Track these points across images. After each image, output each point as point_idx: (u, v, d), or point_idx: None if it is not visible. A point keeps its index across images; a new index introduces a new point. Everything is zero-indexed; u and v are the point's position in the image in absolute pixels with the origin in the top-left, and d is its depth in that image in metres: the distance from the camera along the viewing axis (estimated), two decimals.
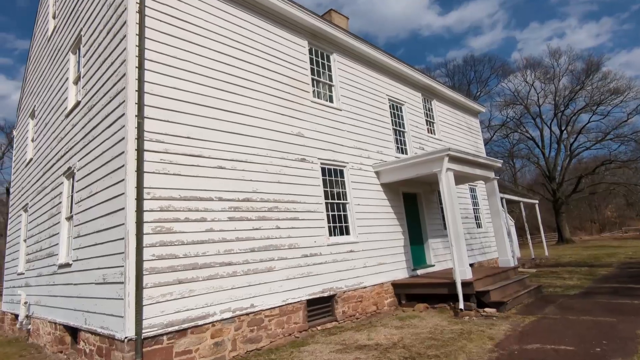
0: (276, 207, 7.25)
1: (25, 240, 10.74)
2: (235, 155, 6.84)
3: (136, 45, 5.89)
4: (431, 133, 13.00)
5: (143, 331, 5.11)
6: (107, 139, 6.25)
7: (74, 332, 6.97)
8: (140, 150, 5.55)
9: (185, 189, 6.01)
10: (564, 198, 38.14)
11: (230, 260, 6.30)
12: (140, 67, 5.82)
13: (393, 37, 65.16)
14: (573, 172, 41.00)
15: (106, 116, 6.35)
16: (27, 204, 10.87)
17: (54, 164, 8.79)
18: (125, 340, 4.98)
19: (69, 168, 7.77)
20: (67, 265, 7.28)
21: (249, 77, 7.48)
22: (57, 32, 9.69)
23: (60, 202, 8.17)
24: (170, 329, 5.35)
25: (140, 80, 5.78)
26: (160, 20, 6.32)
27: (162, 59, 6.21)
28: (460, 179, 11.07)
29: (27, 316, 9.28)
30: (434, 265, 10.90)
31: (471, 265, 12.20)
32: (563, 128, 39.44)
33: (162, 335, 5.28)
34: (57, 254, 7.88)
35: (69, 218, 7.68)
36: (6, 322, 11.60)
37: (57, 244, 7.92)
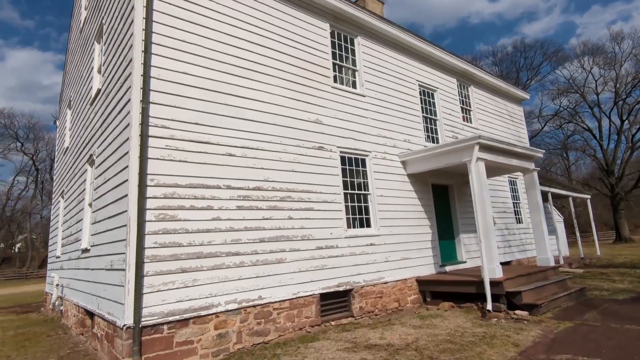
0: (289, 196, 6.97)
1: (61, 225, 11.23)
2: (246, 142, 6.62)
3: (143, 29, 5.78)
4: (467, 121, 12.17)
5: (142, 319, 5.03)
6: (117, 126, 6.24)
7: (91, 315, 7.12)
8: (143, 136, 5.45)
9: (191, 176, 5.86)
10: (624, 194, 35.11)
11: (238, 251, 6.11)
12: (147, 52, 5.70)
13: (440, 26, 62.37)
14: (634, 165, 37.66)
15: (117, 102, 6.33)
16: (63, 190, 11.36)
17: (81, 151, 9.03)
18: (124, 327, 4.93)
19: (91, 155, 7.92)
20: (87, 250, 7.44)
21: (263, 62, 7.21)
22: (86, 22, 9.93)
23: (84, 189, 8.38)
24: (171, 319, 5.25)
25: (146, 64, 5.66)
26: (169, 3, 6.17)
27: (170, 43, 6.07)
28: (495, 170, 10.28)
29: (59, 297, 9.71)
30: (465, 262, 10.22)
31: (508, 263, 11.40)
32: (624, 118, 36.16)
33: (162, 324, 5.19)
34: (80, 240, 8.09)
35: (90, 204, 7.84)
36: (47, 302, 12.27)
37: (81, 229, 8.13)
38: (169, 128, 5.79)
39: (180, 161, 5.80)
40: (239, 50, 6.91)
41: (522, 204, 13.58)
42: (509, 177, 13.16)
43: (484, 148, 8.15)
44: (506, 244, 12.00)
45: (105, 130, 6.98)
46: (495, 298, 7.48)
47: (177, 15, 6.23)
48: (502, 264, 11.39)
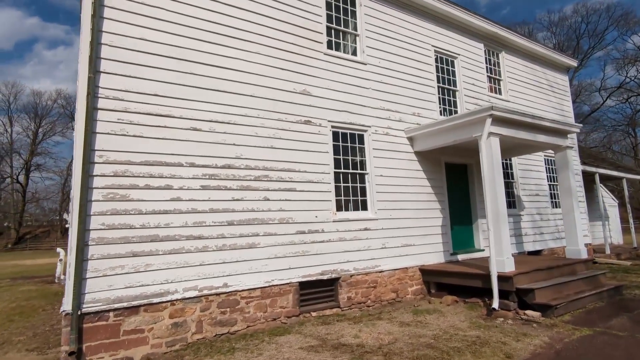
0: (266, 175, 6.34)
1: None
2: (215, 115, 6.01)
3: None
4: (495, 92, 10.78)
5: (84, 306, 4.70)
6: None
7: None
8: (89, 109, 5.00)
9: (147, 153, 5.38)
10: None
11: (201, 234, 5.62)
12: (95, 15, 5.18)
13: None
14: None
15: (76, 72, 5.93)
16: None
17: None
18: (63, 314, 4.62)
19: None
20: None
21: (242, 26, 6.50)
22: None
23: None
24: (117, 305, 4.89)
25: (94, 30, 5.15)
26: None
27: (127, 6, 5.51)
28: (521, 147, 9.00)
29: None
30: (483, 250, 9.15)
31: (538, 252, 10.20)
32: None
33: (107, 311, 4.84)
34: None
35: None
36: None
37: None
38: (122, 100, 5.30)
39: (134, 136, 5.32)
40: (212, 14, 6.23)
41: None
42: (545, 155, 11.65)
43: (499, 121, 6.99)
44: (537, 231, 10.69)
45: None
46: (504, 295, 6.51)
47: None
48: (531, 253, 10.24)
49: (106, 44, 5.29)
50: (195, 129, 5.81)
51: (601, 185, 18.43)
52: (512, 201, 10.45)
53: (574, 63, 13.23)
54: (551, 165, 11.91)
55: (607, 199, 18.82)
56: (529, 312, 6.23)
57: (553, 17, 42.80)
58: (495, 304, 6.39)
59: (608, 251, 12.97)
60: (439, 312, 6.66)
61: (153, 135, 5.46)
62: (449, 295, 7.49)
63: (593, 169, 13.39)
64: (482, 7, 57.43)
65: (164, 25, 5.77)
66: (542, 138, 7.90)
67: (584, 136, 39.78)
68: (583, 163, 13.09)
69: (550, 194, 11.73)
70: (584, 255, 8.12)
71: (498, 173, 6.80)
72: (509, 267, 6.57)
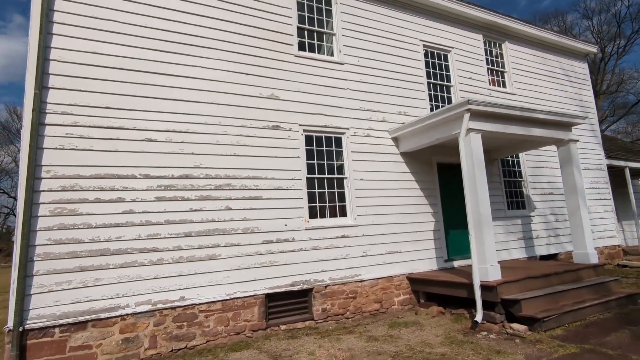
0: (228, 184, 6.15)
1: None
2: (172, 125, 5.91)
3: (40, 9, 5.30)
4: (498, 85, 10.05)
5: (28, 322, 4.69)
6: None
7: None
8: (35, 125, 5.02)
9: (97, 166, 5.34)
10: None
11: (155, 247, 5.50)
12: (42, 32, 5.23)
13: None
14: None
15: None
16: None
17: None
18: (6, 330, 4.63)
19: None
20: None
21: (199, 33, 6.38)
22: None
23: None
24: (63, 321, 4.84)
25: (41, 46, 5.19)
26: None
27: (76, 21, 5.54)
28: (521, 144, 8.30)
29: None
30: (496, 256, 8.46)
31: (554, 256, 9.37)
32: None
33: (53, 327, 4.80)
34: None
35: None
36: None
37: None
38: (71, 114, 5.31)
39: (84, 150, 5.31)
40: (168, 23, 6.17)
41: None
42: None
43: (481, 116, 6.43)
44: (551, 233, 9.81)
45: None
46: (489, 306, 5.93)
47: None
48: (545, 257, 9.43)
49: (55, 60, 5.32)
50: (150, 140, 5.73)
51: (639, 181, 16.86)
52: (521, 201, 9.66)
53: (592, 49, 12.13)
54: None
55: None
56: (515, 325, 5.62)
57: (589, 2, 39.97)
58: (479, 316, 5.83)
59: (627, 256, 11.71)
60: (419, 324, 6.17)
61: (104, 148, 5.42)
62: (436, 305, 6.96)
63: (622, 163, 12.18)
64: (522, 1, 54.81)
65: (115, 37, 5.75)
66: (537, 132, 7.20)
67: (631, 127, 36.87)
68: (609, 157, 11.93)
69: None
70: (593, 259, 7.28)
71: (480, 173, 6.23)
72: (494, 276, 5.98)
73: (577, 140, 7.81)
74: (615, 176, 12.92)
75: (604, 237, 11.08)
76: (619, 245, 11.35)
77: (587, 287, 6.53)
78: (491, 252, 6.08)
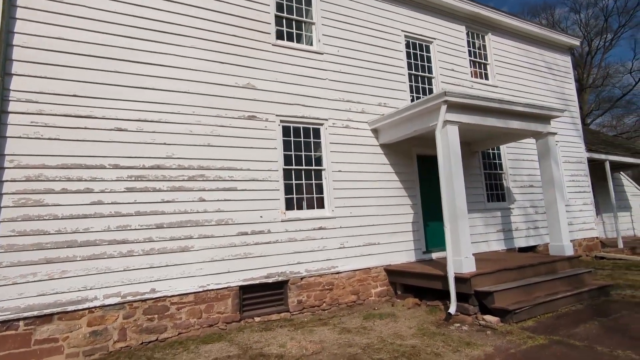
0: (202, 175, 6.05)
1: None
2: (143, 114, 5.77)
3: None
4: (480, 77, 10.03)
5: None
6: None
7: None
8: None
9: (64, 156, 5.20)
10: None
11: (125, 238, 5.40)
12: (4, 17, 5.03)
13: None
14: None
15: None
16: None
17: None
18: None
19: None
20: None
21: (173, 20, 6.22)
22: None
23: None
24: (28, 314, 4.73)
25: (3, 31, 5.00)
26: None
27: (42, 5, 5.34)
28: (501, 136, 8.31)
29: None
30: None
31: (532, 248, 9.44)
32: None
33: (17, 320, 4.69)
34: None
35: None
36: None
37: None
38: (36, 102, 5.14)
39: (50, 139, 5.15)
40: (140, 9, 5.99)
41: (562, 176, 11.08)
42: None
43: (458, 107, 6.39)
44: (530, 226, 9.89)
45: None
46: (463, 298, 5.96)
47: None
48: (524, 249, 9.51)
49: (18, 45, 5.13)
50: (120, 129, 5.59)
51: (622, 173, 17.12)
52: (501, 194, 9.71)
53: (575, 42, 12.16)
54: None
55: (630, 188, 17.41)
56: (487, 317, 5.65)
57: None
58: (452, 308, 5.86)
59: (621, 245, 11.90)
60: (394, 316, 6.18)
61: (71, 138, 5.28)
62: (412, 297, 6.98)
63: (602, 156, 12.31)
64: None
65: (84, 23, 5.57)
66: (516, 124, 7.20)
67: (616, 121, 37.33)
68: (590, 150, 12.05)
69: None
70: (569, 251, 7.36)
71: (456, 165, 6.21)
72: (468, 268, 6.00)
73: (556, 133, 7.84)
74: (597, 169, 13.08)
75: (582, 230, 11.22)
76: (597, 238, 11.51)
77: (561, 279, 6.60)
78: (466, 244, 6.09)
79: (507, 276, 6.29)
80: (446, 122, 6.23)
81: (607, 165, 12.41)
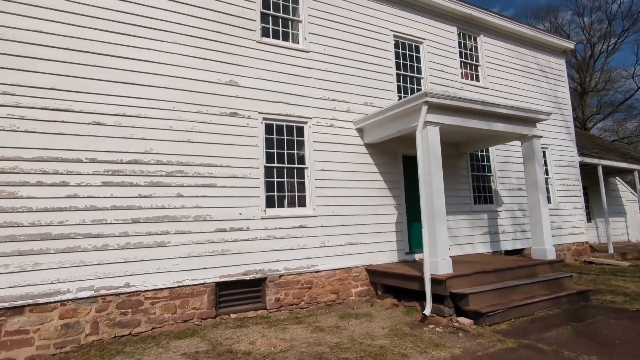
0: (180, 171, 6.06)
1: None
2: (122, 109, 5.78)
3: None
4: (471, 79, 9.99)
5: None
6: None
7: None
8: None
9: (41, 149, 5.22)
10: None
11: (101, 232, 5.42)
12: None
13: None
14: None
15: None
16: None
17: None
18: None
19: None
20: None
21: (155, 15, 6.22)
22: None
23: None
24: None
25: None
26: None
27: None
28: (487, 138, 8.28)
29: None
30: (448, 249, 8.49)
31: (518, 251, 9.42)
32: None
33: None
34: None
35: None
36: None
37: None
38: (13, 95, 5.16)
39: (26, 132, 5.17)
40: (121, 3, 5.99)
41: (553, 179, 11.06)
42: None
43: (440, 108, 6.37)
44: (517, 229, 9.86)
45: None
46: (439, 299, 5.95)
47: None
48: (510, 252, 9.50)
49: None
50: (98, 124, 5.61)
51: (618, 178, 17.03)
52: (489, 196, 9.69)
53: (569, 45, 12.09)
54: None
55: (626, 193, 17.33)
56: (461, 319, 5.64)
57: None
58: (428, 309, 5.85)
59: (611, 250, 11.84)
60: (370, 316, 6.18)
61: (48, 131, 5.29)
62: (391, 298, 6.98)
63: (595, 161, 12.25)
64: None
65: (64, 16, 5.58)
66: (500, 127, 7.17)
67: (617, 126, 37.11)
68: (582, 154, 11.99)
69: None
70: (550, 255, 7.34)
71: (436, 166, 6.20)
72: (444, 270, 5.99)
73: (541, 136, 7.81)
74: (592, 174, 13.00)
75: (572, 234, 11.18)
76: (586, 242, 11.46)
77: (540, 283, 6.58)
78: (443, 245, 6.08)
79: (485, 279, 6.28)
80: (427, 122, 6.22)
81: (600, 170, 12.35)
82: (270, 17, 7.36)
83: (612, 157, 12.94)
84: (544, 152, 11.00)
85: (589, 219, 15.20)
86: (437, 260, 6.00)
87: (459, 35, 9.85)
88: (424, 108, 6.16)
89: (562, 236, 10.92)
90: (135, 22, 6.06)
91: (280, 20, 7.48)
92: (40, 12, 5.44)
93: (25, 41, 5.31)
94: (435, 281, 5.91)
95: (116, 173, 5.62)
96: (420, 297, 6.54)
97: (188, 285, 5.89)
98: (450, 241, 8.46)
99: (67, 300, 5.12)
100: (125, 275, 5.49)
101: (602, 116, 36.32)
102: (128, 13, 6.02)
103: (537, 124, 7.84)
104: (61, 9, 5.58)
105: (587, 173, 13.22)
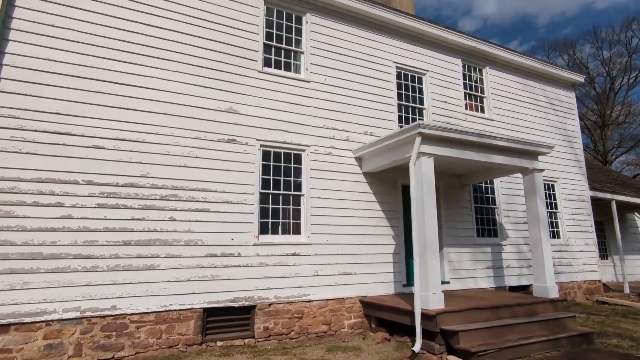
0: (175, 195, 6.16)
1: None
2: (121, 133, 5.98)
3: None
4: (476, 110, 9.97)
5: None
6: None
7: None
8: None
9: (40, 170, 5.41)
10: None
11: (91, 253, 5.51)
12: None
13: (559, 15, 52.58)
14: None
15: None
16: None
17: None
18: None
19: None
20: None
21: (159, 45, 6.50)
22: None
23: None
24: None
25: None
26: None
27: (34, 28, 5.70)
28: (489, 170, 8.17)
29: None
30: (448, 282, 8.29)
31: (524, 287, 9.13)
32: None
33: None
34: None
35: None
36: None
37: None
38: (18, 118, 5.41)
39: (27, 153, 5.39)
40: (127, 34, 6.30)
41: (563, 213, 10.74)
42: (545, 179, 10.45)
43: (434, 140, 6.35)
44: (523, 264, 9.54)
45: None
46: (430, 335, 5.75)
47: None
48: (515, 288, 9.19)
49: (7, 65, 5.46)
50: (98, 147, 5.80)
51: (637, 214, 16.40)
52: (493, 229, 9.46)
53: (579, 78, 11.97)
54: (549, 190, 10.71)
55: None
56: (452, 357, 5.43)
57: (598, 31, 39.42)
58: (417, 345, 5.65)
59: (627, 290, 11.26)
60: (358, 350, 6.00)
61: (49, 153, 5.50)
62: (384, 332, 6.79)
63: (608, 196, 11.88)
64: (540, 29, 54.51)
65: (73, 45, 5.89)
66: (499, 159, 7.08)
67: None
68: (594, 188, 11.66)
69: (548, 222, 10.48)
70: (553, 293, 7.05)
71: (429, 197, 6.12)
72: (435, 304, 5.81)
73: (543, 170, 7.66)
74: (608, 209, 12.55)
75: (583, 271, 10.74)
76: (599, 281, 10.97)
77: (539, 323, 6.30)
78: (434, 279, 5.92)
79: (479, 316, 6.06)
80: (420, 153, 6.19)
81: (614, 205, 11.94)
82: (272, 48, 7.59)
83: (627, 193, 12.52)
84: (552, 186, 10.76)
85: (605, 256, 14.61)
86: (428, 295, 5.84)
87: (463, 67, 9.91)
88: (418, 139, 6.15)
89: (573, 273, 10.50)
90: (141, 52, 6.34)
91: (282, 51, 7.70)
92: (51, 41, 5.77)
93: (34, 68, 5.61)
94: (425, 316, 5.73)
95: (111, 195, 5.76)
96: (412, 332, 6.31)
97: (175, 310, 5.87)
98: (451, 274, 8.31)
99: (53, 320, 5.17)
100: (112, 298, 5.53)
101: (624, 149, 35.42)
102: (134, 43, 6.32)
103: (539, 157, 7.71)
104: (72, 39, 5.89)
105: (602, 208, 12.81)
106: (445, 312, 5.75)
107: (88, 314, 5.36)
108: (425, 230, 6.00)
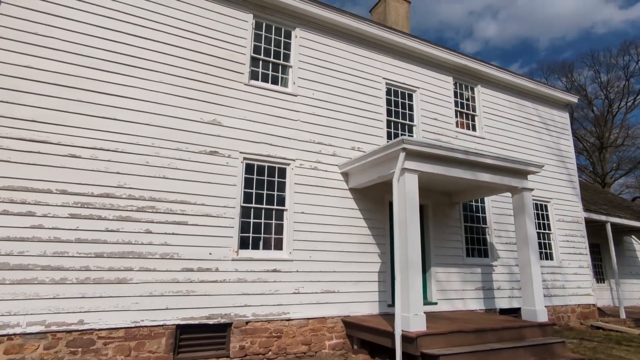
0: (152, 207, 6.01)
1: None
2: (100, 143, 5.88)
3: None
4: (467, 128, 9.88)
5: None
6: None
7: None
8: None
9: (12, 178, 5.29)
10: None
11: (61, 265, 5.33)
12: None
13: (559, 39, 53.35)
14: None
15: None
16: None
17: None
18: None
19: None
20: None
21: (144, 56, 6.46)
22: None
23: None
24: None
25: None
26: None
27: (14, 35, 5.66)
28: (479, 189, 8.03)
29: None
30: (435, 304, 8.06)
31: (515, 310, 8.86)
32: None
33: None
34: None
35: None
36: None
37: None
38: None
39: (0, 161, 5.28)
40: (114, 44, 6.27)
41: (556, 234, 10.54)
42: (536, 199, 10.31)
43: (417, 156, 6.23)
44: (515, 286, 9.29)
45: None
46: (410, 359, 5.51)
47: (29, 7, 5.83)
48: (506, 311, 8.93)
49: None
50: (74, 156, 5.69)
51: (634, 237, 16.16)
52: (484, 249, 9.26)
53: (572, 99, 11.93)
54: (541, 210, 10.54)
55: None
56: None
57: (596, 54, 39.58)
58: None
59: (623, 315, 10.99)
60: None
61: (22, 161, 5.39)
62: (365, 354, 6.53)
63: (603, 218, 11.69)
64: (541, 52, 55.27)
65: (54, 53, 5.84)
66: (486, 177, 6.95)
67: (639, 182, 35.89)
68: (588, 210, 11.48)
69: (541, 243, 10.30)
70: (542, 317, 6.81)
71: (412, 214, 5.96)
72: (416, 326, 5.59)
73: (532, 189, 7.51)
74: (603, 231, 12.32)
75: (577, 295, 10.47)
76: (594, 305, 10.69)
77: (526, 348, 6.05)
78: (416, 300, 5.71)
79: (463, 339, 5.82)
80: (404, 169, 6.07)
81: (609, 227, 11.74)
82: (260, 61, 7.56)
83: (623, 215, 12.33)
84: (545, 206, 10.59)
85: (602, 280, 14.33)
86: (409, 316, 5.62)
87: (455, 84, 9.88)
88: (402, 155, 6.04)
89: (566, 297, 10.23)
90: (124, 62, 6.29)
91: (270, 64, 7.66)
92: (32, 49, 5.72)
93: (12, 75, 5.55)
94: (406, 338, 5.51)
95: (85, 205, 5.62)
96: (393, 355, 6.08)
97: (146, 326, 5.65)
98: (439, 295, 8.10)
99: (15, 334, 4.97)
100: (80, 312, 5.33)
101: (623, 172, 35.30)
102: (118, 53, 6.27)
103: (529, 176, 7.59)
104: (52, 47, 5.85)
105: (599, 230, 12.59)
106: (427, 334, 5.52)
107: (53, 328, 5.15)
108: (408, 248, 5.82)
